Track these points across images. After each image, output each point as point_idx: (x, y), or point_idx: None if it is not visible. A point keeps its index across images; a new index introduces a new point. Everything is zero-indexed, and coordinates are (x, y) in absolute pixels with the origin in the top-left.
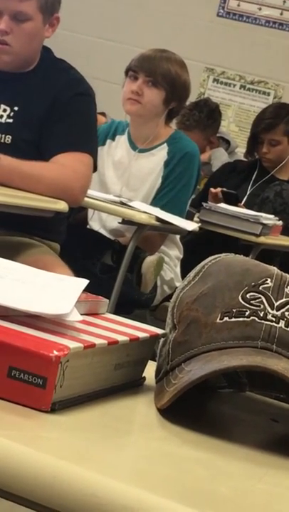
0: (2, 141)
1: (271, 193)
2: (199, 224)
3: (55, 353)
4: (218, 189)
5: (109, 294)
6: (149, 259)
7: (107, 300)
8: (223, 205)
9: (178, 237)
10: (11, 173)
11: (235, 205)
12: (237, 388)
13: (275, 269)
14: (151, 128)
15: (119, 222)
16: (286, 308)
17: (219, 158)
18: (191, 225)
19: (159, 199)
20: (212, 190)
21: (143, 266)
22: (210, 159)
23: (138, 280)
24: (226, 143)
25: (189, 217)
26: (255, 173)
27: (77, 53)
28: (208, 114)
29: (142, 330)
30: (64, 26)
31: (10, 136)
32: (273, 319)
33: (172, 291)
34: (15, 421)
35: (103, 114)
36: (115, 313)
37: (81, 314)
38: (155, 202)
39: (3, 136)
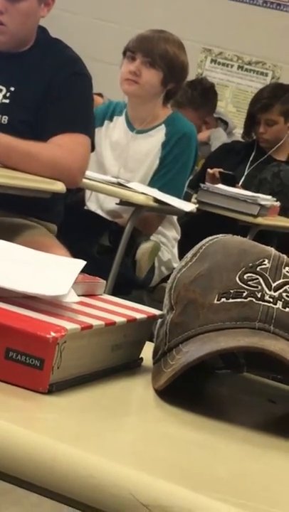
0: None
1: (269, 174)
2: (197, 205)
3: (53, 334)
4: (215, 170)
5: (106, 275)
6: (144, 246)
7: (104, 281)
8: (220, 186)
9: (175, 218)
10: (9, 150)
11: (233, 186)
12: (234, 369)
13: (272, 250)
14: (149, 109)
15: (116, 204)
16: (284, 289)
17: (218, 138)
18: (188, 206)
19: (157, 180)
20: (209, 170)
21: (138, 253)
22: (209, 139)
23: (133, 266)
24: (224, 124)
25: (187, 198)
26: (253, 153)
27: (73, 33)
28: (201, 93)
29: (139, 311)
30: (60, 6)
31: (6, 117)
32: (271, 300)
33: (170, 272)
34: (12, 402)
35: (100, 94)
36: (113, 294)
37: (78, 295)
38: (153, 183)
39: (0, 116)
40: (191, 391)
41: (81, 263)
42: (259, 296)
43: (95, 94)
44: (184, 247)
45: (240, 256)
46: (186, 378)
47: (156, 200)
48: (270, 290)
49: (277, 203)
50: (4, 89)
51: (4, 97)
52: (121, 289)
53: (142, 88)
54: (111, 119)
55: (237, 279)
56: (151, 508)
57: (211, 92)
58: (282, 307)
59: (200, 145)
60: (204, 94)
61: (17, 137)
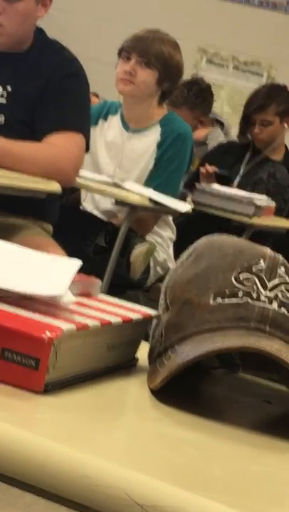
0: None
1: (264, 174)
2: (192, 205)
3: (48, 334)
4: (208, 167)
5: (102, 275)
6: (138, 249)
7: (100, 281)
8: (216, 186)
9: (171, 218)
10: (4, 154)
11: (228, 186)
12: (230, 369)
13: (268, 250)
14: (144, 108)
15: (112, 204)
16: (279, 289)
17: (216, 139)
18: (184, 206)
19: (152, 180)
20: (202, 169)
21: (132, 255)
22: (206, 139)
23: (127, 268)
24: (220, 124)
25: (182, 198)
26: (248, 154)
27: (70, 34)
28: (197, 93)
29: (134, 311)
30: (57, 6)
31: (3, 117)
32: (266, 300)
33: (165, 272)
34: (8, 402)
35: (96, 94)
36: (108, 294)
37: (74, 295)
38: (148, 183)
39: None
40: (186, 391)
41: (77, 263)
42: (255, 296)
43: (90, 94)
44: (179, 248)
45: (235, 256)
46: (181, 378)
47: (151, 200)
48: (265, 290)
49: (273, 203)
50: (1, 89)
51: (1, 96)
52: (116, 289)
53: (138, 88)
54: (106, 119)
55: (232, 279)
56: (146, 507)
57: (207, 92)
58: (278, 307)
59: (197, 145)
60: (200, 95)
61: (14, 137)
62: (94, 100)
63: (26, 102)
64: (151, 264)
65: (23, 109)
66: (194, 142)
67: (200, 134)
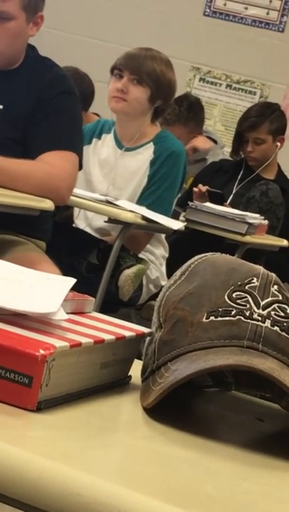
0: None
1: (257, 193)
2: (185, 223)
3: (41, 352)
4: (201, 186)
5: (94, 293)
6: (126, 273)
7: (93, 299)
8: (208, 204)
9: (163, 236)
10: (0, 173)
11: (221, 204)
12: (223, 387)
13: (261, 269)
14: (137, 126)
15: (105, 221)
16: (272, 307)
17: (216, 156)
18: (176, 224)
19: (145, 198)
20: (195, 189)
21: (120, 280)
22: (207, 154)
23: (116, 290)
24: (214, 143)
25: (175, 216)
26: (241, 172)
27: (62, 51)
28: (188, 108)
29: (127, 329)
30: (49, 24)
31: None
32: (259, 318)
33: (158, 290)
34: (0, 420)
35: (97, 114)
36: (101, 311)
37: (67, 313)
38: (141, 201)
39: None
40: (179, 409)
41: (71, 281)
42: (248, 314)
43: (92, 113)
44: (172, 265)
45: (228, 274)
46: (174, 396)
47: (144, 218)
48: (258, 308)
49: (266, 222)
50: None
51: None
52: (109, 307)
53: (130, 105)
54: (99, 137)
55: (226, 297)
56: None
57: (197, 106)
58: (271, 325)
59: (196, 161)
60: (190, 109)
61: (6, 155)
62: (94, 119)
63: (18, 119)
64: (144, 281)
65: (14, 127)
66: (191, 158)
67: (201, 142)
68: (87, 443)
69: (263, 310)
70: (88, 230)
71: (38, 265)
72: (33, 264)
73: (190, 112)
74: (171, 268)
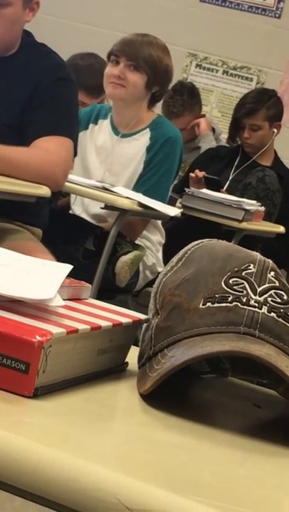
0: None
1: (253, 179)
2: (181, 209)
3: (38, 338)
4: (197, 172)
5: (91, 280)
6: (123, 260)
7: (90, 285)
8: (205, 190)
9: (160, 222)
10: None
11: (218, 190)
12: (219, 373)
13: (257, 255)
14: (134, 112)
15: (101, 208)
16: (269, 293)
17: (209, 143)
18: (173, 211)
19: (142, 184)
20: (191, 175)
21: (116, 266)
22: (199, 142)
23: (113, 277)
24: (212, 130)
25: (171, 202)
26: (238, 158)
27: (58, 37)
28: (189, 94)
29: (124, 315)
30: (45, 10)
31: None
32: (256, 305)
33: (154, 276)
34: None
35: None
36: (98, 298)
37: (64, 299)
38: (137, 187)
39: None
40: (176, 395)
41: (68, 267)
42: (244, 300)
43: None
44: (168, 252)
45: (225, 261)
46: (171, 383)
47: (140, 205)
48: (255, 295)
49: (262, 208)
50: None
51: None
52: (105, 294)
53: (127, 91)
54: (96, 123)
55: (222, 283)
56: None
57: (195, 90)
58: (268, 312)
59: (191, 150)
60: (191, 95)
61: (2, 141)
62: None
63: (14, 106)
64: (141, 268)
65: (11, 113)
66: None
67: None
68: (84, 429)
69: (260, 296)
70: (84, 216)
71: (33, 254)
72: (29, 253)
73: (193, 98)
74: (168, 254)
